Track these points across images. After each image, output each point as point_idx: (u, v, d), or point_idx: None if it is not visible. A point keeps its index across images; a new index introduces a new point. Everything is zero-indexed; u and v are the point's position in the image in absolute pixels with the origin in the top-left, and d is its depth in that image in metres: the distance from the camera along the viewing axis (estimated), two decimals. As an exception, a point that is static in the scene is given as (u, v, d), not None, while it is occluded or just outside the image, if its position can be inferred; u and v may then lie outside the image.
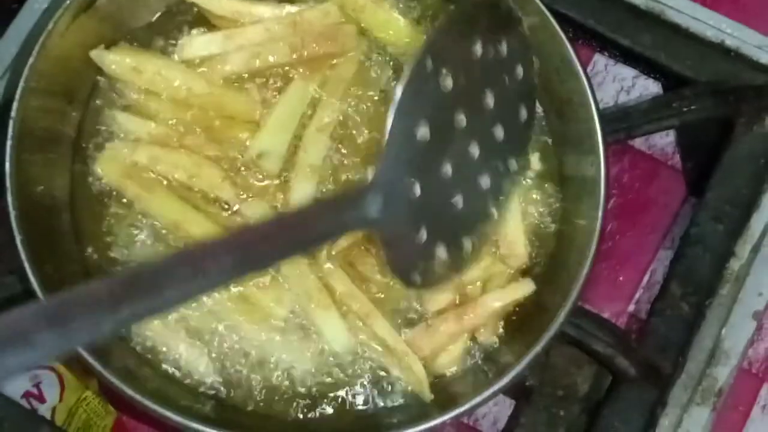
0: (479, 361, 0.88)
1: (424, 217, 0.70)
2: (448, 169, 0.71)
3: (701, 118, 0.93)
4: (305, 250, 0.73)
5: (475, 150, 0.73)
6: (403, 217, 0.68)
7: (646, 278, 1.04)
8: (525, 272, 0.89)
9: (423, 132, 0.67)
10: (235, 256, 0.58)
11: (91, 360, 0.78)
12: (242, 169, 0.89)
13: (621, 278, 1.04)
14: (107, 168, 0.89)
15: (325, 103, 0.90)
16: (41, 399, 0.94)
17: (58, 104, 0.89)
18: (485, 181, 0.76)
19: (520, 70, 0.76)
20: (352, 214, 0.64)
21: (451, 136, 0.71)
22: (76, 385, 0.96)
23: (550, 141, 0.93)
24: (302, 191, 0.87)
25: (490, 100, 0.74)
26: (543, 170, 0.91)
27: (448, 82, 0.69)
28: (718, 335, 0.90)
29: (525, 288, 0.87)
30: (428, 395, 0.84)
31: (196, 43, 0.90)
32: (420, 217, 0.69)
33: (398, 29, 0.93)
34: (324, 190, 0.88)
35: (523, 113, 0.79)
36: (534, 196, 0.91)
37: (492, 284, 0.88)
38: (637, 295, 1.04)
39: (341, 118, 0.90)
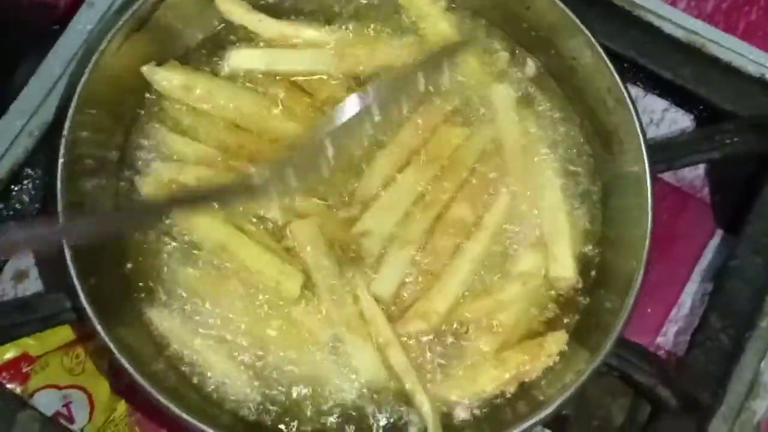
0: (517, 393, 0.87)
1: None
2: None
3: (741, 152, 0.93)
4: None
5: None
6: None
7: (674, 311, 1.04)
8: (567, 300, 0.89)
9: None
10: None
11: (140, 380, 0.78)
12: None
13: (649, 310, 1.04)
14: (152, 188, 0.89)
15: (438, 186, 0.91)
16: (70, 419, 0.94)
17: (107, 123, 0.90)
18: None
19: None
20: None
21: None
22: (105, 407, 0.96)
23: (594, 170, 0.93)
24: (396, 263, 0.88)
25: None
26: (587, 197, 0.92)
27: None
28: (757, 368, 0.90)
29: (559, 341, 0.87)
30: None
31: (241, 56, 0.92)
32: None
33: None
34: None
35: None
36: (580, 223, 0.91)
37: (525, 313, 0.88)
38: (665, 328, 1.04)
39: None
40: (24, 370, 0.94)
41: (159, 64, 0.92)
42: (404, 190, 0.90)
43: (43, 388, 0.95)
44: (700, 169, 1.07)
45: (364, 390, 0.86)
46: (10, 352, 0.94)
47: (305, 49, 0.93)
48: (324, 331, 0.86)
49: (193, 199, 0.78)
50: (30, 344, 0.95)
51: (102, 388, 0.96)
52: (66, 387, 0.95)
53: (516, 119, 0.92)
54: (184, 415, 0.78)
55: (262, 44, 0.95)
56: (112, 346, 0.79)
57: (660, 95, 1.05)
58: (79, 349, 0.97)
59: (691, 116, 1.05)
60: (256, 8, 0.95)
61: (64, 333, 0.96)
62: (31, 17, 1.06)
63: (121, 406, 0.97)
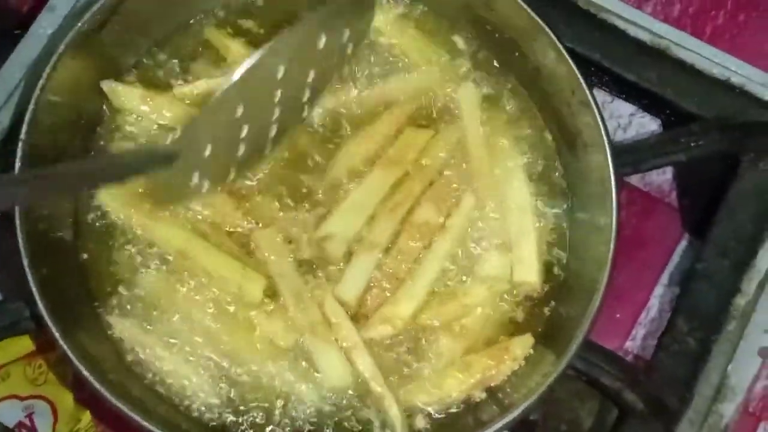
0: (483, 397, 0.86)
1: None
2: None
3: (708, 153, 0.93)
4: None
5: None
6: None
7: (643, 315, 1.04)
8: (533, 304, 0.89)
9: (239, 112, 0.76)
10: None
11: (101, 389, 0.78)
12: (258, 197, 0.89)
13: (618, 315, 1.03)
14: (110, 198, 0.88)
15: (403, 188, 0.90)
16: (33, 430, 0.93)
17: (64, 132, 0.88)
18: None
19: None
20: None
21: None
22: (69, 417, 0.95)
23: (559, 173, 0.93)
24: (361, 266, 0.87)
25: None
26: (553, 200, 0.92)
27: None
28: (724, 371, 0.90)
29: (525, 344, 0.86)
30: None
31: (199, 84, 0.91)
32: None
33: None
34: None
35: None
36: (543, 225, 0.91)
37: (489, 317, 0.88)
38: (634, 332, 1.03)
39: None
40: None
41: (117, 71, 0.92)
42: (369, 192, 0.89)
43: (4, 398, 0.94)
44: (668, 173, 1.07)
45: (330, 395, 0.85)
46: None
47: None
48: (288, 337, 0.85)
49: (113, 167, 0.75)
50: (-10, 354, 0.94)
51: (65, 399, 0.95)
52: (28, 398, 0.94)
53: (480, 120, 0.92)
54: (147, 425, 0.77)
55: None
56: (71, 355, 0.78)
57: (626, 99, 1.05)
58: (42, 359, 0.96)
59: (659, 121, 1.05)
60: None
61: (25, 343, 0.95)
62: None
63: (86, 417, 0.95)
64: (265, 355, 0.85)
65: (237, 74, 0.74)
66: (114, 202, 0.89)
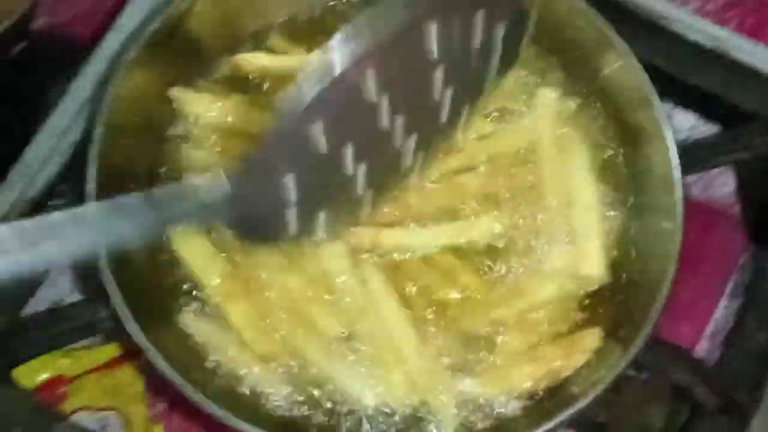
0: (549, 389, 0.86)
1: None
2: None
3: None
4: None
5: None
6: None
7: (709, 329, 1.03)
8: (600, 299, 0.89)
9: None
10: None
11: (183, 384, 0.79)
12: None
13: (684, 328, 1.03)
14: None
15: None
16: (106, 443, 0.94)
17: (135, 140, 0.91)
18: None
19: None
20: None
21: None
22: (141, 431, 0.95)
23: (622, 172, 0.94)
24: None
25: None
26: (617, 199, 0.92)
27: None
28: (794, 366, 0.89)
29: (593, 337, 0.86)
30: None
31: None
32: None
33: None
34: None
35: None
36: (607, 222, 0.91)
37: (557, 311, 0.88)
38: (699, 346, 1.03)
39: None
40: (59, 391, 0.95)
41: (186, 81, 0.94)
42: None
43: (78, 410, 0.95)
44: (731, 185, 1.07)
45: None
46: (44, 374, 0.95)
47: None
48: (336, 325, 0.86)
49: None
50: (65, 365, 0.96)
51: (139, 412, 0.96)
52: (101, 409, 0.95)
53: (554, 120, 0.93)
54: (232, 418, 0.78)
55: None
56: (151, 353, 0.79)
57: (686, 106, 1.06)
58: (117, 371, 0.97)
59: (717, 128, 1.06)
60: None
61: (100, 354, 0.97)
62: (61, 44, 1.09)
63: (159, 430, 0.96)
64: (335, 357, 0.86)
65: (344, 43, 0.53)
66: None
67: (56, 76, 1.02)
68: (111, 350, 0.97)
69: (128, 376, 0.97)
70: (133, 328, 0.80)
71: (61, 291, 0.99)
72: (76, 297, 0.97)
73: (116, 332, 0.82)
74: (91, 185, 0.83)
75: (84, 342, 0.95)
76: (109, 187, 0.84)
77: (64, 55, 1.08)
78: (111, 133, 0.86)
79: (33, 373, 0.94)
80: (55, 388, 0.95)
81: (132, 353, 0.96)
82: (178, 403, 0.95)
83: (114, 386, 0.97)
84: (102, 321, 0.85)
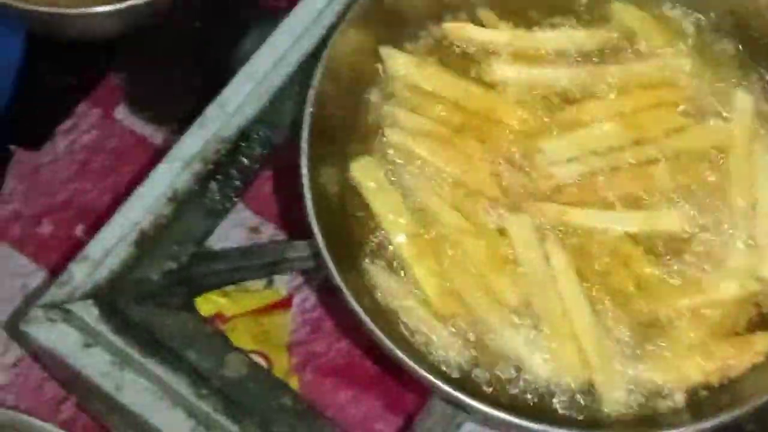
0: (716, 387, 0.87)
1: None
2: None
3: None
4: None
5: None
6: None
7: None
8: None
9: None
10: None
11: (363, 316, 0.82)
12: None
13: None
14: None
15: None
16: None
17: (343, 99, 0.94)
18: None
19: None
20: None
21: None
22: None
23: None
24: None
25: None
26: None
27: None
28: None
29: (764, 343, 0.87)
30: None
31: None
32: None
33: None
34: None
35: None
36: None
37: (733, 310, 0.89)
38: None
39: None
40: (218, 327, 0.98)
41: (395, 43, 0.97)
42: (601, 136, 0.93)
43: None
44: None
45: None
46: (205, 310, 0.97)
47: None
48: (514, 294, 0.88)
49: None
50: (223, 304, 0.99)
51: (282, 359, 0.99)
52: (250, 352, 0.97)
53: (749, 124, 0.94)
54: (401, 355, 0.81)
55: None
56: (345, 290, 0.83)
57: None
58: (267, 317, 1.01)
59: None
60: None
61: (255, 299, 1.01)
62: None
63: (294, 383, 0.98)
64: (507, 322, 0.88)
65: None
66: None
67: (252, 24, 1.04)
68: (268, 295, 1.01)
69: (277, 325, 1.00)
70: (331, 265, 0.83)
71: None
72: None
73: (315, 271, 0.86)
74: (307, 125, 0.88)
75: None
76: (319, 135, 0.89)
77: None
78: (326, 83, 0.90)
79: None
80: (214, 324, 0.97)
81: (285, 302, 1.00)
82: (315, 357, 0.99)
83: (263, 332, 1.00)
84: (307, 258, 0.90)
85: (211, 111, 0.97)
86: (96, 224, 0.94)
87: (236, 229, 1.02)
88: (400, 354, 0.81)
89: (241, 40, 1.07)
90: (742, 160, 0.93)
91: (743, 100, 0.95)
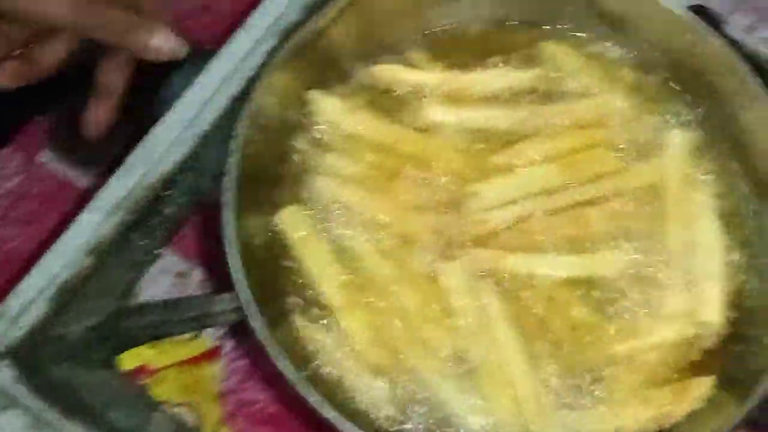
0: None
1: None
2: None
3: None
4: None
5: None
6: None
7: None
8: (716, 345, 0.88)
9: None
10: None
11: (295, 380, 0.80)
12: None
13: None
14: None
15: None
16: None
17: (270, 145, 0.93)
18: None
19: None
20: None
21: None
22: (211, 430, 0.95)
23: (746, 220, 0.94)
24: None
25: None
26: (740, 245, 0.92)
27: None
28: None
29: (705, 385, 0.86)
30: None
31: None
32: None
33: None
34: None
35: None
36: (731, 271, 0.91)
37: (671, 355, 0.87)
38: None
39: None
40: (141, 383, 0.95)
41: (323, 85, 0.96)
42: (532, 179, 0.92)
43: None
44: None
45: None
46: (128, 364, 0.94)
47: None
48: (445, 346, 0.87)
49: None
50: (149, 356, 0.96)
51: (212, 410, 0.96)
52: (178, 404, 0.95)
53: (684, 162, 0.94)
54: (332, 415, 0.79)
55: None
56: (269, 347, 0.80)
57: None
58: (197, 368, 0.97)
59: None
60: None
61: (184, 349, 0.97)
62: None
63: (225, 432, 0.96)
64: (440, 372, 0.86)
65: None
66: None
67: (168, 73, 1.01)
68: (196, 346, 0.98)
69: (206, 375, 0.97)
70: (257, 322, 0.81)
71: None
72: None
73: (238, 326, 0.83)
74: (232, 175, 0.86)
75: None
76: (245, 183, 0.87)
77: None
78: (251, 130, 0.88)
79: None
80: (139, 376, 0.95)
81: (214, 352, 0.97)
82: (247, 406, 0.96)
83: (193, 383, 0.97)
84: (230, 312, 0.86)
85: (135, 158, 0.93)
86: (19, 275, 0.90)
87: (163, 276, 0.99)
88: (329, 414, 0.79)
89: (167, 81, 1.04)
90: (679, 199, 0.92)
91: (678, 137, 0.95)
